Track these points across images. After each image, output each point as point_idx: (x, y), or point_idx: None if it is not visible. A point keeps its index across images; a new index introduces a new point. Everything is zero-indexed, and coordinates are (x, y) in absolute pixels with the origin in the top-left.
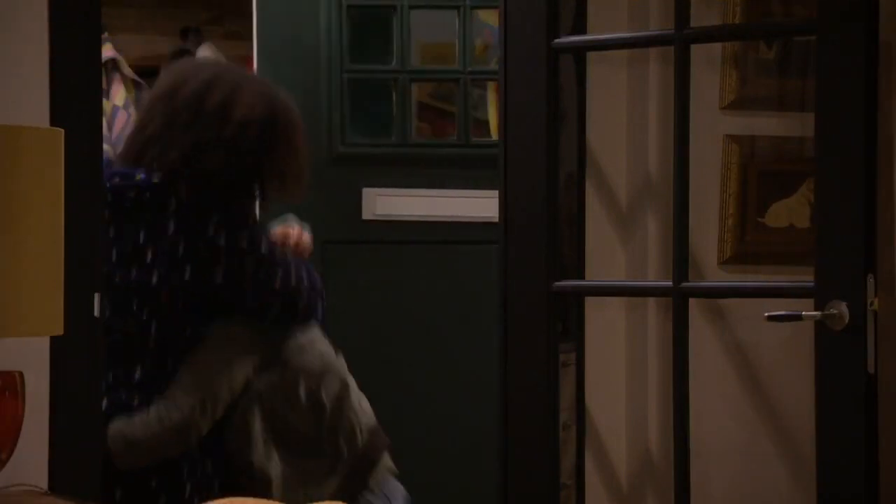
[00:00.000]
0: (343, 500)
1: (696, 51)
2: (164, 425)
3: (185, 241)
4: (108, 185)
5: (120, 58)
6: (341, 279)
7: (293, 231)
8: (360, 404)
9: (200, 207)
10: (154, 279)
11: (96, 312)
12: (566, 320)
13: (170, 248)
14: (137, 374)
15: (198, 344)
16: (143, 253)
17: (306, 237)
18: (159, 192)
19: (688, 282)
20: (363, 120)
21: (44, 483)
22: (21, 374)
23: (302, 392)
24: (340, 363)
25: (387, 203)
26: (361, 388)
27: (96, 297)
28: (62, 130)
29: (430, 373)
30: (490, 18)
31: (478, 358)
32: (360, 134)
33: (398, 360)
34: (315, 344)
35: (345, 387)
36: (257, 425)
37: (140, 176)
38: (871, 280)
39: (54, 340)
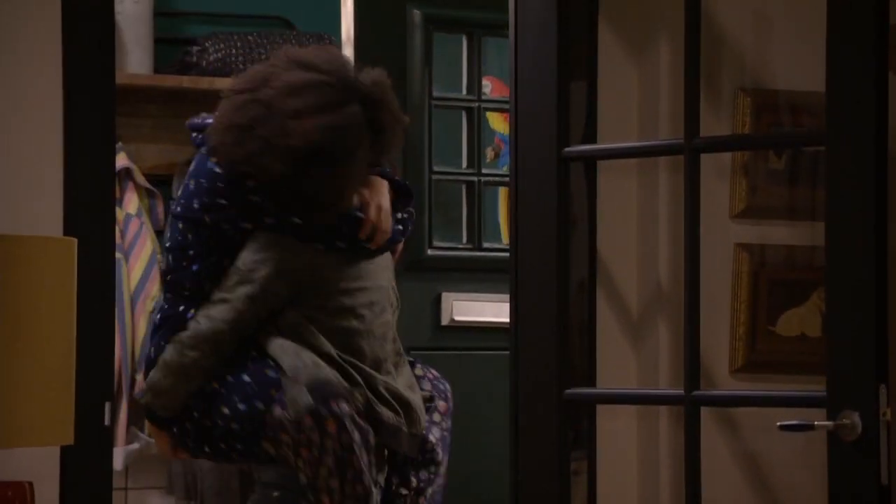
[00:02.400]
0: None
1: (706, 160)
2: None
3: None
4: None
5: (134, 167)
6: None
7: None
8: None
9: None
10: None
11: (107, 421)
12: (577, 428)
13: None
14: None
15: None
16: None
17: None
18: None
19: (699, 390)
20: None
21: None
22: (31, 485)
23: None
24: None
25: (463, 308)
26: None
27: (107, 405)
28: (75, 240)
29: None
30: (500, 126)
31: None
32: (440, 239)
33: (481, 471)
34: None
35: None
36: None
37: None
38: (883, 390)
39: (64, 450)
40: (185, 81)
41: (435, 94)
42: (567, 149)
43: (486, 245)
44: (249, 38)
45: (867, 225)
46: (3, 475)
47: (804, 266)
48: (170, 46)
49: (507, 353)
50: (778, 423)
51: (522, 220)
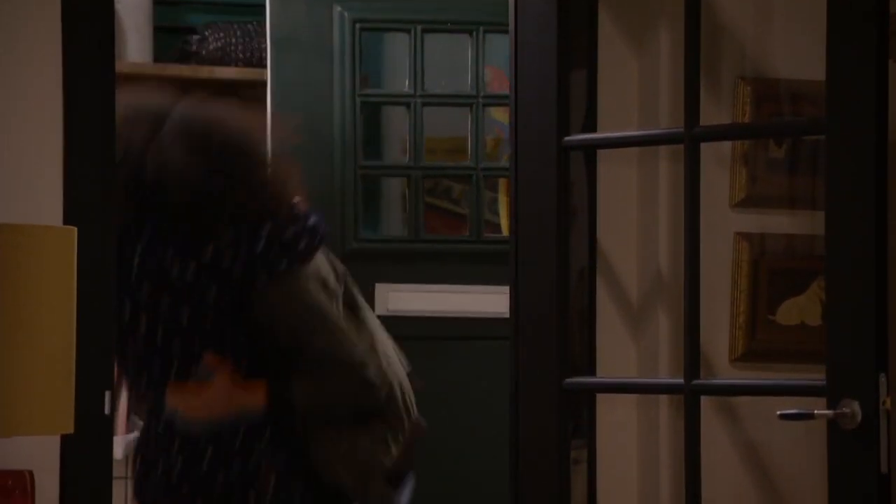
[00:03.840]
0: None
1: (706, 149)
2: None
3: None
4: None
5: None
6: None
7: None
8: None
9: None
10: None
11: (107, 410)
12: (577, 417)
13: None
14: None
15: None
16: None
17: None
18: None
19: (699, 379)
20: (375, 215)
21: None
22: (31, 473)
23: None
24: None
25: (399, 299)
26: None
27: (107, 394)
28: (75, 228)
29: (441, 471)
30: (501, 115)
31: (490, 456)
32: (373, 229)
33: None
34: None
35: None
36: None
37: None
38: (883, 379)
39: (65, 439)
40: (186, 71)
41: (370, 91)
42: (567, 138)
43: (425, 237)
44: (249, 27)
45: (867, 214)
46: (3, 464)
47: (804, 255)
48: (169, 35)
49: (447, 342)
50: (778, 412)
51: (522, 209)
